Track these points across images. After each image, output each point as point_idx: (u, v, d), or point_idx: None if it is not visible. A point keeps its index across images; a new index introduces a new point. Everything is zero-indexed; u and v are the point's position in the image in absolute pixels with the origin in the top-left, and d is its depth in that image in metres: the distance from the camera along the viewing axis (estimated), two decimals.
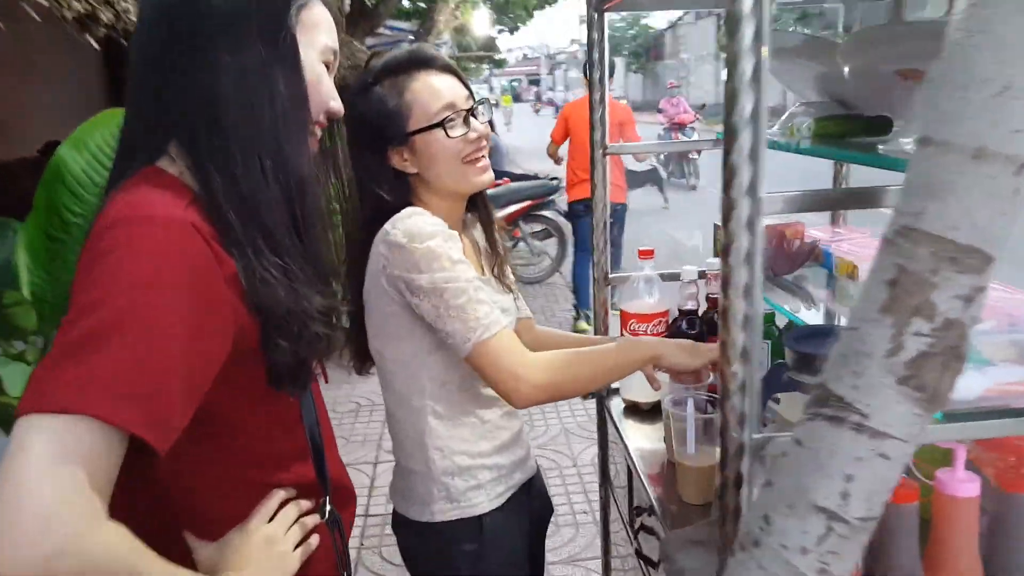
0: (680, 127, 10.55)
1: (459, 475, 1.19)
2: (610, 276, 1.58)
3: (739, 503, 0.74)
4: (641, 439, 1.41)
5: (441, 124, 1.13)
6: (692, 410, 1.16)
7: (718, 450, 1.13)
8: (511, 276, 1.32)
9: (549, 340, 1.37)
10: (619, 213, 4.77)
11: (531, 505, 1.32)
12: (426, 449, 1.18)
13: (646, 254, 1.48)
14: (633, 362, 1.14)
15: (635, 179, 7.51)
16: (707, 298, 1.45)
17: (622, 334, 1.50)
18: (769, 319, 1.54)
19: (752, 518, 0.66)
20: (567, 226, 5.62)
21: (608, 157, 1.75)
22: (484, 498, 1.20)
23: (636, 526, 1.28)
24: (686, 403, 1.18)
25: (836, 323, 1.21)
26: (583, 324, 4.96)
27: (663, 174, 9.61)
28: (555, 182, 6.16)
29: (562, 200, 6.11)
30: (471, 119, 1.17)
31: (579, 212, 4.76)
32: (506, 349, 1.07)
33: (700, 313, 1.44)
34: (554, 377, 1.09)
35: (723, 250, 0.68)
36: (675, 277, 1.51)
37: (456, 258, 1.08)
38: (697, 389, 1.22)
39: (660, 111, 11.02)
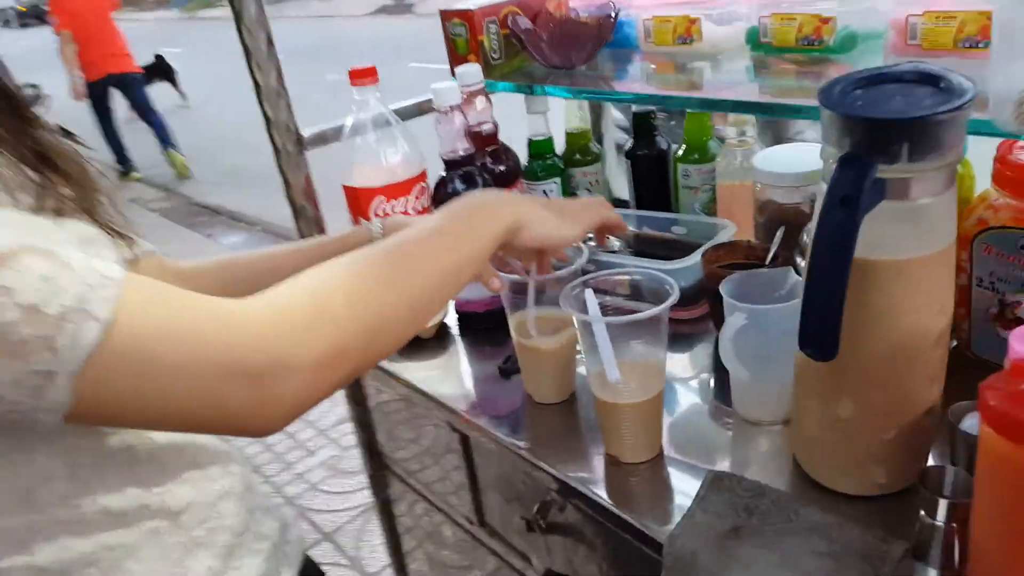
0: None
1: None
2: (306, 136, 0.90)
3: None
4: (448, 387, 0.85)
5: None
6: (596, 309, 0.64)
7: (661, 357, 0.61)
8: (114, 210, 0.56)
9: (232, 268, 0.67)
10: (138, 82, 4.87)
11: None
12: None
13: (364, 74, 0.83)
14: (484, 238, 0.57)
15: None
16: (469, 134, 0.89)
17: (358, 223, 0.87)
18: (546, 147, 1.06)
19: None
20: None
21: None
22: None
23: (527, 530, 0.74)
24: (583, 298, 0.65)
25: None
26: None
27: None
28: None
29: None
30: None
31: (103, 91, 4.74)
32: (178, 320, 0.41)
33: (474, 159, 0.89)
34: (353, 312, 0.46)
35: None
36: (419, 112, 0.92)
37: None
38: (549, 280, 0.70)
39: None
